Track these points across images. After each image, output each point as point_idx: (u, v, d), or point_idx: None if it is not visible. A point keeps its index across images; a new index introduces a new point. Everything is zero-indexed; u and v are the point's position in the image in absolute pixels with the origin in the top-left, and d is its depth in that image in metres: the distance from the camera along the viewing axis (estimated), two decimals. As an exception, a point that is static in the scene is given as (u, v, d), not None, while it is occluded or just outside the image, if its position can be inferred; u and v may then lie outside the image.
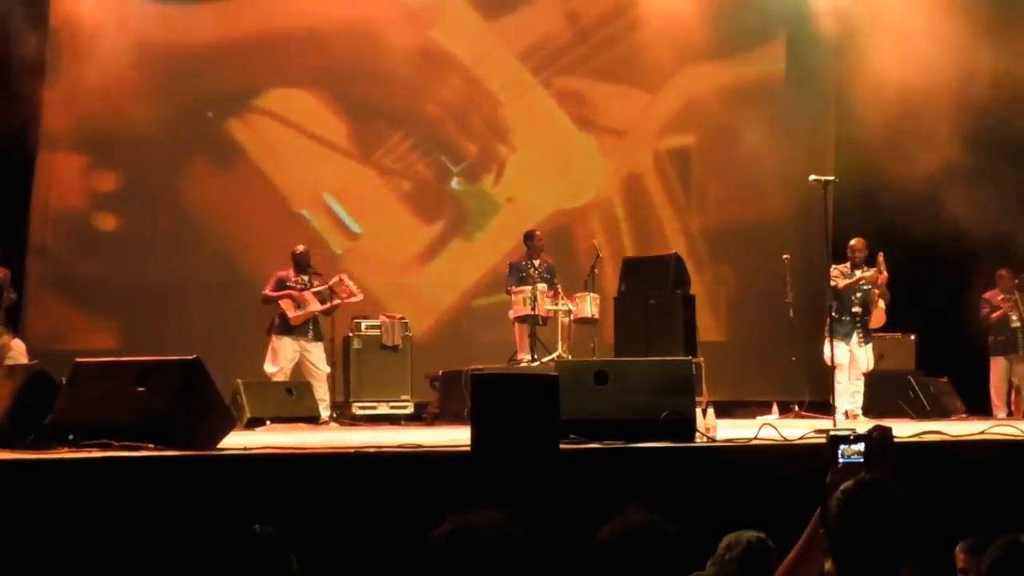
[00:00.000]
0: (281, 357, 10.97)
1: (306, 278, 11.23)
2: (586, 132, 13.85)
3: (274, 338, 11.04)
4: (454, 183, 13.52)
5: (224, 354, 10.45)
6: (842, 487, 3.12)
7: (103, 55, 11.79)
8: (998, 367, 11.81)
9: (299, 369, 11.09)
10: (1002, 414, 11.44)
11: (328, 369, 11.13)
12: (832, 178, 8.65)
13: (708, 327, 12.80)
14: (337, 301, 11.14)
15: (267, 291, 11.11)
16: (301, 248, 11.33)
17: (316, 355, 11.06)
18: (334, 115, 13.06)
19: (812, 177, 8.70)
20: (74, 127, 12.08)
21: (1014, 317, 11.69)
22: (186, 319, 12.16)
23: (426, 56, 13.11)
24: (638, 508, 3.03)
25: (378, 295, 12.56)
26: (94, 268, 12.25)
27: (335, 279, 11.19)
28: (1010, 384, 11.83)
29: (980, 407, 11.60)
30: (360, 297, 11.26)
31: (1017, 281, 11.75)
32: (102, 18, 11.91)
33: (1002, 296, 11.78)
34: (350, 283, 11.20)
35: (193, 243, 12.49)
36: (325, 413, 10.79)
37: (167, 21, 12.36)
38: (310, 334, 11.08)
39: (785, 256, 11.62)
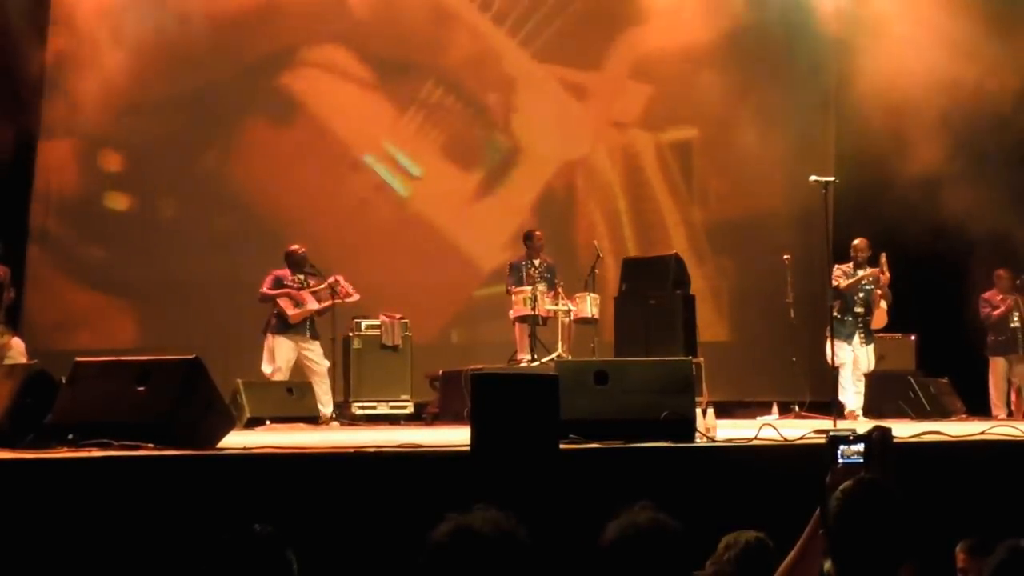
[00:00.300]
0: (278, 357, 10.93)
1: (302, 277, 11.20)
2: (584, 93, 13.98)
3: (270, 337, 10.98)
4: (479, 130, 13.82)
5: (223, 353, 10.46)
6: (841, 487, 3.13)
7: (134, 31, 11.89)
8: (997, 367, 11.81)
9: (299, 368, 11.07)
10: (1002, 414, 11.44)
11: (327, 364, 11.11)
12: (832, 179, 8.64)
13: (710, 323, 12.87)
14: (330, 302, 11.10)
15: (264, 289, 11.07)
16: (297, 247, 11.30)
17: (315, 353, 11.03)
18: (365, 68, 13.33)
19: (812, 178, 8.70)
20: (103, 105, 12.10)
21: (1014, 317, 11.69)
22: (188, 317, 12.19)
23: (433, 9, 13.41)
24: (644, 505, 3.03)
25: (446, 233, 13.19)
26: (105, 255, 12.33)
27: (330, 280, 11.16)
28: (1010, 384, 11.83)
29: (980, 407, 11.60)
30: (356, 298, 11.23)
31: (1017, 281, 11.76)
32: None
33: (1001, 296, 11.77)
34: (345, 284, 11.18)
35: (248, 205, 12.67)
36: (327, 410, 10.78)
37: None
38: (307, 333, 11.05)
39: (785, 256, 11.62)
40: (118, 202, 12.61)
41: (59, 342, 11.45)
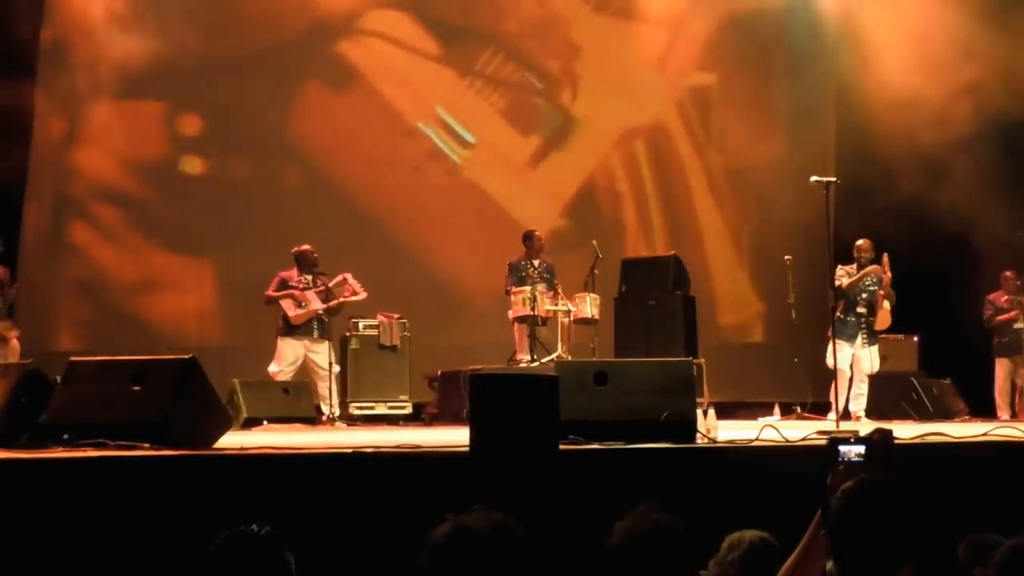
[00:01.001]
0: (285, 358, 10.90)
1: (309, 277, 11.15)
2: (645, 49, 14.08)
3: (279, 339, 10.98)
4: (539, 99, 13.95)
5: (220, 353, 10.43)
6: (843, 487, 3.12)
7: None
8: (1002, 369, 11.76)
9: (305, 370, 11.03)
10: (1006, 416, 11.40)
11: (336, 368, 11.04)
12: (833, 179, 8.60)
13: (730, 262, 13.00)
14: (338, 300, 11.05)
15: (269, 292, 11.04)
16: (305, 247, 11.24)
17: (321, 355, 10.97)
18: (426, 34, 13.46)
19: (813, 178, 8.66)
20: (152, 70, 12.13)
21: (1019, 318, 11.66)
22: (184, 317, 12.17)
23: None
24: (649, 506, 3.01)
25: (499, 199, 13.34)
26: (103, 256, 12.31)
27: (338, 278, 11.10)
28: (1014, 386, 11.79)
29: (984, 409, 11.55)
30: (363, 296, 11.15)
31: (1020, 282, 11.71)
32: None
33: (1006, 298, 11.74)
34: (354, 282, 11.10)
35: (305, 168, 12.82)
36: (333, 410, 10.74)
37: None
38: (315, 333, 10.99)
39: (787, 257, 11.57)
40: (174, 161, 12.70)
41: (53, 342, 11.43)
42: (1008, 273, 11.71)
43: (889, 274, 10.78)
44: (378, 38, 13.30)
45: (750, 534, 3.74)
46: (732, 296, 13.79)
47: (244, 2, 12.63)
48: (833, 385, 10.16)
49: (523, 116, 13.78)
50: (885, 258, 10.79)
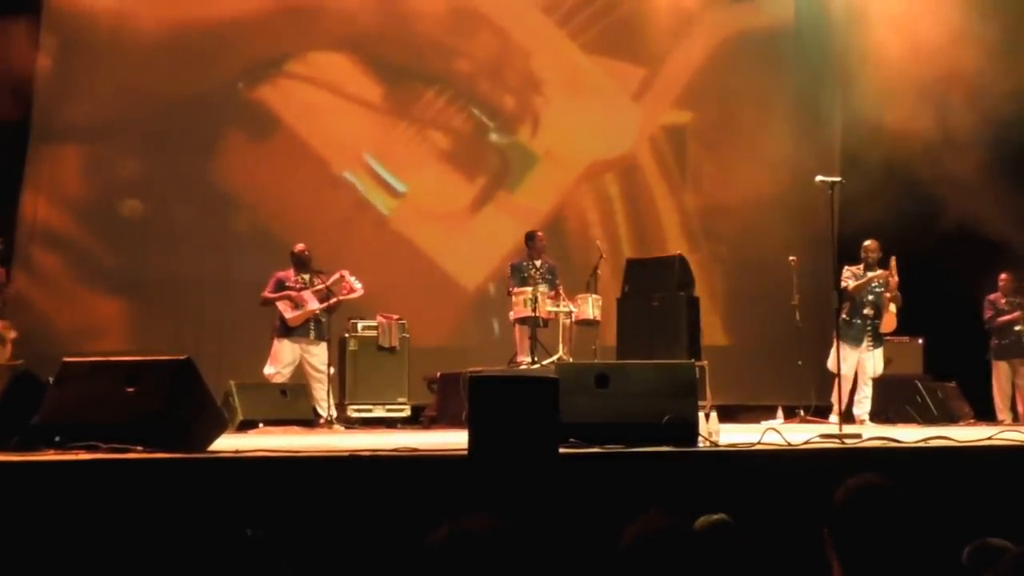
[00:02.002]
0: (281, 360, 10.84)
1: (306, 277, 11.08)
2: (616, 80, 13.92)
3: (275, 341, 10.91)
4: (492, 136, 13.66)
5: (216, 354, 10.37)
6: (846, 484, 3.09)
7: (113, 38, 11.78)
8: (1001, 371, 11.74)
9: (300, 371, 10.96)
10: (1007, 418, 11.37)
11: (331, 370, 10.97)
12: (839, 179, 8.52)
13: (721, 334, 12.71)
14: (336, 299, 10.97)
15: (265, 293, 10.98)
16: (300, 247, 11.19)
17: (318, 357, 10.91)
18: (365, 76, 13.25)
19: (818, 178, 8.57)
20: (84, 114, 12.03)
21: (1020, 320, 11.61)
22: (179, 318, 12.10)
23: (453, 13, 13.30)
24: (660, 510, 2.97)
25: (429, 252, 12.95)
26: (99, 255, 12.23)
27: (335, 276, 11.03)
28: (1014, 388, 11.74)
29: (988, 412, 11.52)
30: (360, 292, 11.05)
31: (1017, 284, 11.67)
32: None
33: (1005, 299, 11.68)
34: (351, 279, 11.00)
35: (228, 223, 12.52)
36: (331, 412, 10.67)
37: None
38: (311, 335, 10.93)
39: (792, 258, 11.51)
40: (111, 203, 12.53)
41: (48, 343, 11.34)
42: (1005, 274, 11.67)
43: (896, 278, 10.71)
44: (307, 82, 13.00)
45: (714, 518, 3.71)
46: (714, 334, 13.41)
47: (179, 47, 12.37)
48: (836, 388, 10.10)
49: (469, 157, 13.48)
50: (893, 261, 10.73)
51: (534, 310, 11.04)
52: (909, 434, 7.64)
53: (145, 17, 12.26)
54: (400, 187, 13.27)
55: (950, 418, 11.13)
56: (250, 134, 12.85)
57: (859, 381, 10.82)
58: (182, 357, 6.21)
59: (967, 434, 7.87)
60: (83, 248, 12.32)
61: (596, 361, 10.33)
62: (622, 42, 13.82)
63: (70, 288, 12.18)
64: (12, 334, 10.49)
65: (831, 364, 10.17)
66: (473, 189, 13.51)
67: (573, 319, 11.20)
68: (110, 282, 12.29)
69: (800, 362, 11.48)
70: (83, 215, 12.41)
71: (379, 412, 11.27)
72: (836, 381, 10.12)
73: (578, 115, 13.67)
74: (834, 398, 10.24)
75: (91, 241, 12.35)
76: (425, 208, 13.27)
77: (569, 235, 13.50)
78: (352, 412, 11.19)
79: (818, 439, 6.92)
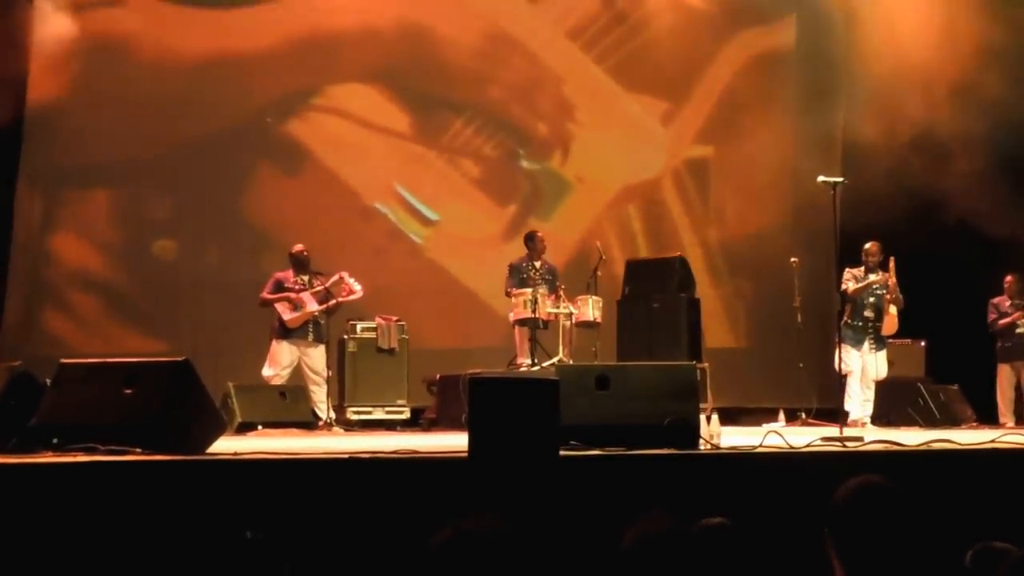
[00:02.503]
0: (279, 362, 10.81)
1: (306, 278, 11.05)
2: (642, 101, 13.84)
3: (273, 343, 10.88)
4: (523, 163, 13.62)
5: (214, 356, 10.34)
6: (846, 484, 3.07)
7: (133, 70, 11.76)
8: (1004, 374, 11.72)
9: (299, 373, 10.93)
10: (1009, 422, 11.35)
11: (327, 372, 10.94)
12: (841, 179, 8.50)
13: (724, 337, 12.65)
14: (335, 301, 10.94)
15: (264, 294, 10.94)
16: (299, 247, 11.15)
17: (316, 359, 10.88)
18: (394, 106, 13.22)
19: (820, 178, 8.56)
20: (107, 152, 12.01)
21: (1021, 323, 11.58)
22: (177, 319, 12.08)
23: (483, 41, 13.28)
24: (659, 511, 2.95)
25: (462, 279, 12.94)
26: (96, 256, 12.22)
27: (335, 278, 10.99)
28: (1018, 391, 11.71)
29: (992, 415, 11.48)
30: (360, 294, 11.01)
31: (1022, 286, 11.65)
32: (134, 30, 11.86)
33: (1010, 302, 11.66)
34: (350, 280, 10.96)
35: (263, 258, 12.34)
36: (330, 414, 10.64)
37: (210, 26, 12.42)
38: (310, 337, 10.90)
39: (793, 260, 11.49)
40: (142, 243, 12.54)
41: (44, 345, 11.34)
42: (1010, 277, 11.65)
43: (894, 280, 10.68)
44: (334, 115, 12.97)
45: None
46: (716, 336, 13.33)
47: (204, 85, 12.37)
48: (842, 391, 10.09)
49: (501, 184, 13.44)
50: (891, 262, 10.70)
51: (534, 311, 11.00)
52: (911, 437, 7.61)
53: (169, 54, 12.22)
54: (432, 215, 13.25)
55: (953, 421, 11.10)
56: (281, 168, 12.84)
57: (861, 384, 10.79)
58: (180, 359, 6.19)
59: (970, 437, 7.85)
60: (113, 287, 12.30)
61: (596, 363, 10.29)
62: (644, 73, 13.70)
63: (102, 327, 12.18)
64: None
65: (838, 365, 10.14)
66: (506, 215, 13.48)
67: (573, 321, 11.17)
68: (145, 326, 12.27)
69: (801, 364, 11.46)
70: (113, 254, 12.40)
71: (378, 414, 11.23)
72: (842, 384, 10.09)
73: (608, 141, 13.64)
74: (847, 405, 10.27)
75: (120, 281, 12.35)
76: (458, 235, 13.27)
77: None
78: (351, 414, 11.16)
79: (820, 442, 6.89)
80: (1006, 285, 11.71)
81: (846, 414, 10.18)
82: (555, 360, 10.83)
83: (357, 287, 10.94)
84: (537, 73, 13.55)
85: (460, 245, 13.22)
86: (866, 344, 10.79)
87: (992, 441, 7.12)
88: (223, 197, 12.60)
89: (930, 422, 10.99)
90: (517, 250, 12.04)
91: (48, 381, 6.31)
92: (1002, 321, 11.66)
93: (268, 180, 12.80)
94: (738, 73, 13.69)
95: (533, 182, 13.66)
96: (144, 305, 12.36)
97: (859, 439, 7.13)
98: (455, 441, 6.85)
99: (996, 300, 11.74)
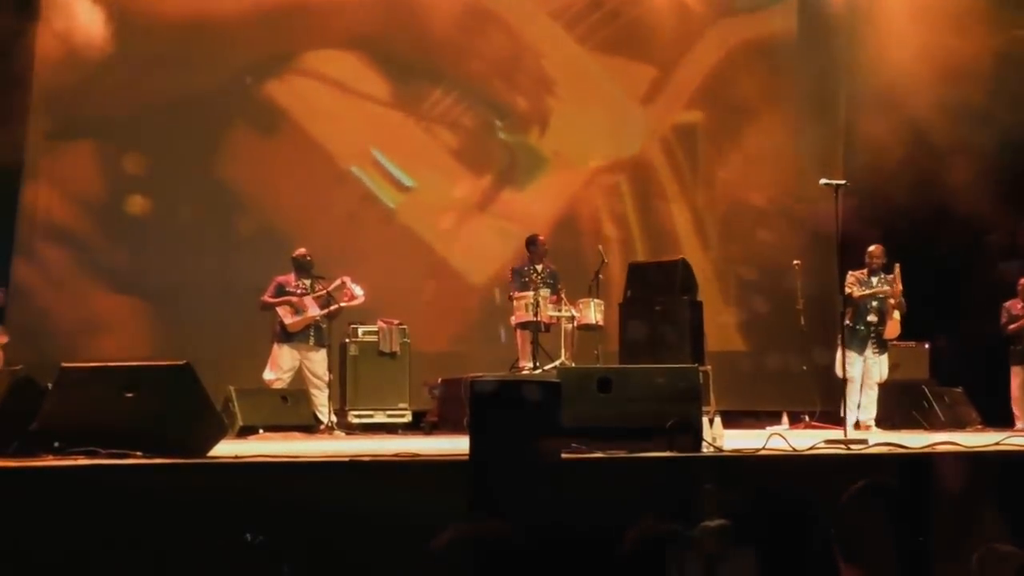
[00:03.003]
0: (280, 365, 10.79)
1: (307, 282, 11.03)
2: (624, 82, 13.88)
3: (275, 346, 10.86)
4: (501, 135, 13.62)
5: (216, 359, 10.31)
6: (850, 490, 3.09)
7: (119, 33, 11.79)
8: (1017, 377, 11.64)
9: (300, 377, 10.91)
10: (1022, 424, 11.28)
11: (329, 376, 10.92)
12: (843, 182, 8.49)
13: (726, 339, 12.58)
14: (336, 305, 10.91)
15: (265, 297, 10.93)
16: (301, 251, 11.13)
17: (317, 363, 10.86)
18: (374, 73, 13.18)
19: (823, 181, 8.55)
20: (87, 110, 11.99)
21: None
22: (178, 323, 12.05)
23: (465, 13, 13.26)
24: (655, 515, 2.94)
25: (436, 245, 12.95)
26: (95, 257, 12.19)
27: (336, 282, 10.97)
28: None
29: (997, 418, 11.42)
30: (361, 299, 10.97)
31: None
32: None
33: (1021, 305, 11.63)
34: (353, 286, 10.93)
35: (236, 218, 12.41)
36: (331, 418, 10.63)
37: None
38: (311, 341, 10.87)
39: (796, 262, 11.45)
40: (117, 199, 12.49)
41: (47, 349, 11.30)
42: (1023, 280, 11.60)
43: (900, 286, 10.66)
44: (315, 79, 12.93)
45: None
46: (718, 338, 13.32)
47: (185, 43, 12.33)
48: (845, 394, 10.05)
49: (477, 154, 13.44)
50: (897, 269, 10.68)
51: (536, 314, 10.98)
52: (915, 440, 7.59)
53: (151, 12, 12.22)
54: (407, 181, 13.23)
55: (957, 424, 11.07)
56: (257, 130, 12.81)
57: (864, 387, 10.77)
58: (181, 362, 6.18)
59: (975, 440, 7.82)
60: (87, 243, 12.27)
61: (598, 366, 10.27)
62: (631, 43, 13.76)
63: (72, 283, 12.13)
64: (4, 339, 10.45)
65: (839, 370, 10.11)
66: (481, 185, 13.49)
67: (575, 324, 11.14)
68: (113, 279, 12.25)
69: (805, 367, 11.43)
70: (89, 210, 12.36)
71: (380, 418, 11.19)
72: (844, 388, 10.06)
73: (586, 117, 13.63)
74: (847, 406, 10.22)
75: (95, 237, 12.30)
76: (432, 202, 13.26)
77: (581, 236, 13.42)
78: (353, 418, 11.12)
79: (823, 445, 6.88)
80: (1019, 289, 11.66)
81: (847, 419, 10.15)
82: (557, 363, 10.80)
83: (359, 292, 10.90)
84: (518, 48, 13.57)
85: (434, 212, 13.22)
86: (869, 347, 10.77)
87: (998, 443, 7.11)
88: (197, 156, 12.53)
89: (935, 425, 10.96)
90: (491, 220, 12.17)
91: (49, 385, 6.31)
92: (1013, 325, 11.62)
93: (244, 141, 12.75)
94: (733, 59, 13.68)
95: (510, 154, 13.66)
96: (114, 260, 12.26)
97: (863, 442, 7.11)
98: (456, 445, 6.83)
99: (1008, 304, 11.69)
